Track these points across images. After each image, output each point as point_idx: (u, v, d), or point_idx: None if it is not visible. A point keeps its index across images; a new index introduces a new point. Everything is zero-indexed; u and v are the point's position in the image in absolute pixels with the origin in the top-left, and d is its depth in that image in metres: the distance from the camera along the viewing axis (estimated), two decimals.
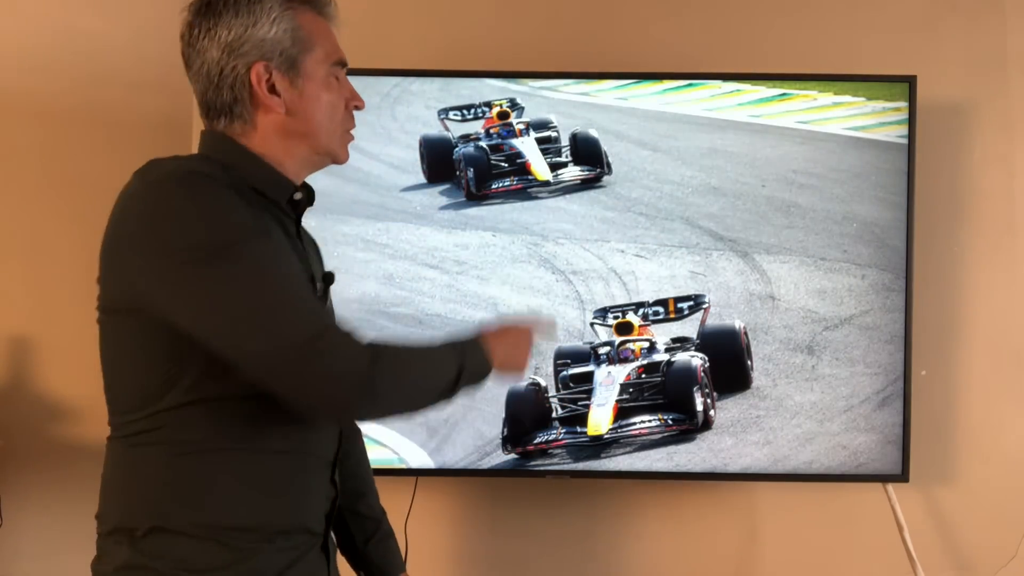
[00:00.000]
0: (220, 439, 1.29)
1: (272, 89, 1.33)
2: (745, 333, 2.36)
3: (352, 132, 1.44)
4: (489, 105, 2.39)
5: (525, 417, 2.33)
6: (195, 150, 1.41)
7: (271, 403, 1.26)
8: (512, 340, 1.42)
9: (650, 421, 2.32)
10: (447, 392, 1.32)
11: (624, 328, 2.35)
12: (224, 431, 1.29)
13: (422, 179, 2.37)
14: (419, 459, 2.35)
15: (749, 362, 2.36)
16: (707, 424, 2.33)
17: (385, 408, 1.32)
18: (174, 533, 1.27)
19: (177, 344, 1.24)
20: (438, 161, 2.38)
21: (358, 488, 1.63)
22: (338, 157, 1.43)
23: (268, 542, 1.31)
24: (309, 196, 1.44)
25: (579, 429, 2.33)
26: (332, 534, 1.47)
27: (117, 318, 1.30)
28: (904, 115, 2.36)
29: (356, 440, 1.65)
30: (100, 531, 1.34)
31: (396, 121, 2.37)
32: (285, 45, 1.33)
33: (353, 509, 1.62)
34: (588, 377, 2.34)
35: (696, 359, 2.32)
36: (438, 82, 2.39)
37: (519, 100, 2.40)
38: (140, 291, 1.25)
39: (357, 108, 1.43)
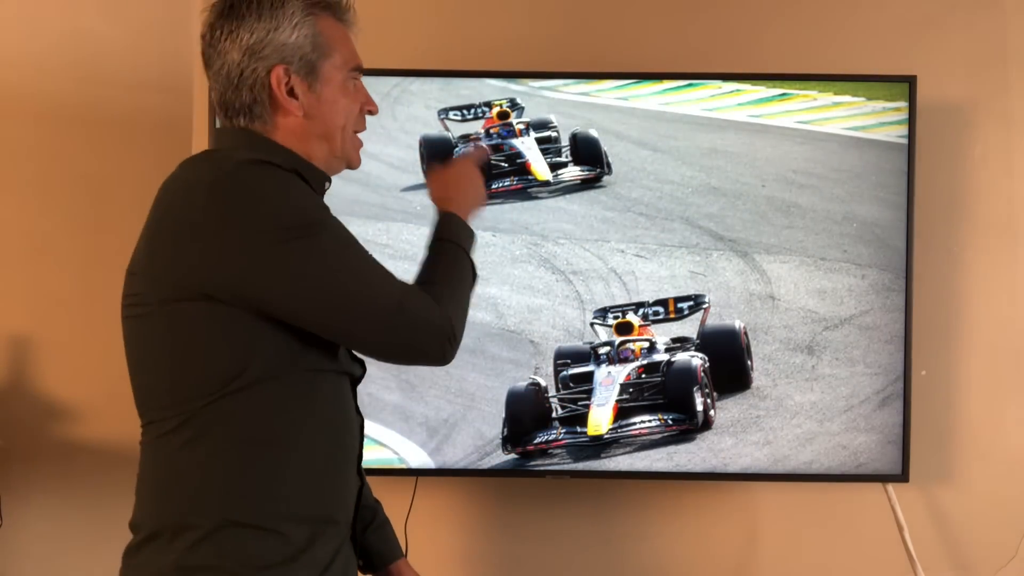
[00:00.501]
0: (279, 428, 1.30)
1: (291, 92, 1.36)
2: (745, 333, 2.36)
3: (361, 136, 1.48)
4: (489, 105, 2.39)
5: (525, 417, 2.34)
6: (197, 149, 1.43)
7: (325, 392, 1.34)
8: (461, 184, 1.52)
9: (650, 421, 2.32)
10: (475, 278, 1.45)
11: (624, 328, 2.35)
12: (283, 420, 1.31)
13: (422, 179, 2.37)
14: (419, 459, 2.35)
15: (749, 362, 2.36)
16: (707, 424, 2.33)
17: (462, 331, 1.39)
18: (244, 527, 1.28)
19: (250, 328, 1.27)
20: (438, 161, 2.38)
21: None
22: (352, 161, 1.47)
23: (322, 532, 1.34)
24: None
25: (579, 429, 2.33)
26: None
27: (174, 308, 1.28)
28: (904, 115, 2.36)
29: None
30: (137, 538, 1.33)
31: (396, 121, 2.37)
32: (305, 50, 1.36)
33: None
34: (588, 377, 2.34)
35: (696, 359, 2.32)
36: (438, 82, 2.39)
37: (519, 100, 2.40)
38: (218, 276, 1.26)
39: (371, 113, 1.47)
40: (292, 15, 1.35)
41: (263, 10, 1.35)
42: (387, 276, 1.33)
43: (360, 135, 1.46)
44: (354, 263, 1.31)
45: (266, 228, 1.25)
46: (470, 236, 1.47)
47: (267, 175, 1.27)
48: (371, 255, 1.34)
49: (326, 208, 1.36)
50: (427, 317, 1.32)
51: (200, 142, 2.39)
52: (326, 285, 1.27)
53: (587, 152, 2.39)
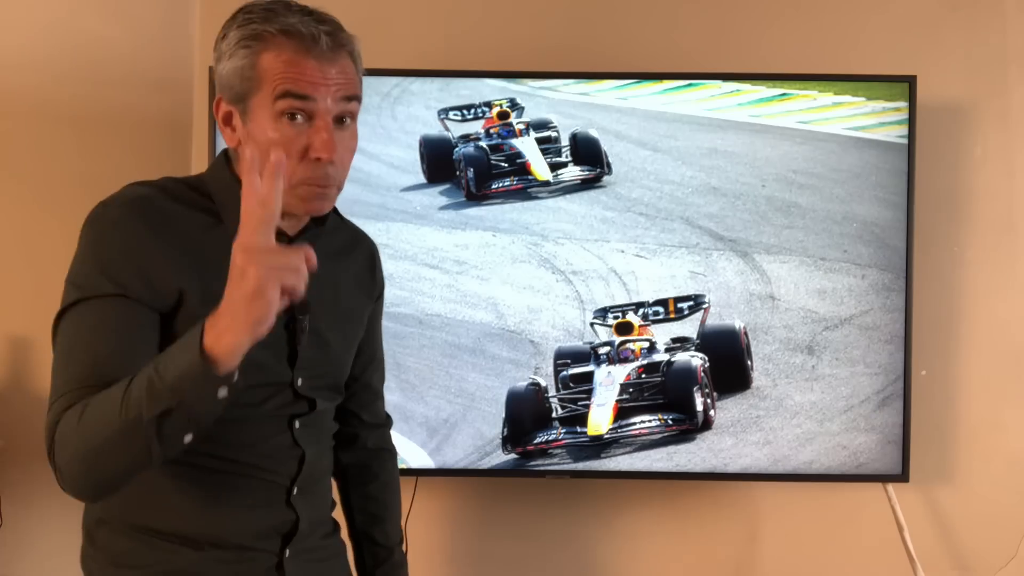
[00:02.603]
0: None
1: (228, 121, 1.35)
2: (745, 333, 2.36)
3: (316, 185, 1.32)
4: (489, 105, 2.39)
5: (525, 417, 2.34)
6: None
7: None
8: (241, 294, 1.10)
9: (650, 421, 2.32)
10: (140, 431, 1.15)
11: (624, 328, 2.35)
12: None
13: (422, 179, 2.37)
14: (419, 459, 2.35)
15: (749, 362, 2.36)
16: (707, 424, 2.33)
17: (77, 481, 1.23)
18: (112, 530, 1.39)
19: None
20: (438, 161, 2.38)
21: (377, 513, 1.66)
22: (291, 209, 1.33)
23: (195, 549, 1.36)
24: (318, 220, 1.43)
25: (579, 429, 2.33)
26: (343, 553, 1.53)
27: None
28: (904, 115, 2.36)
29: (385, 465, 1.68)
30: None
31: (396, 121, 2.37)
32: (234, 82, 1.32)
33: (368, 534, 1.66)
34: (588, 377, 2.34)
35: (696, 359, 2.32)
36: (438, 82, 2.39)
37: (519, 100, 2.40)
38: None
39: (319, 160, 1.30)
40: (229, 47, 1.32)
41: (217, 41, 1.35)
42: (78, 379, 1.24)
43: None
44: (67, 348, 1.28)
45: (68, 278, 1.31)
46: (182, 361, 1.13)
47: (92, 231, 1.33)
48: (107, 353, 1.25)
49: (117, 282, 1.28)
50: (48, 439, 1.24)
51: (200, 142, 2.39)
52: (56, 354, 1.29)
53: (587, 152, 2.39)
